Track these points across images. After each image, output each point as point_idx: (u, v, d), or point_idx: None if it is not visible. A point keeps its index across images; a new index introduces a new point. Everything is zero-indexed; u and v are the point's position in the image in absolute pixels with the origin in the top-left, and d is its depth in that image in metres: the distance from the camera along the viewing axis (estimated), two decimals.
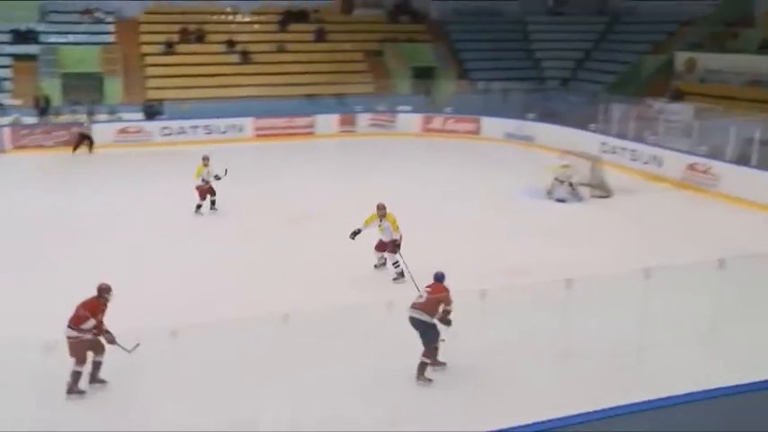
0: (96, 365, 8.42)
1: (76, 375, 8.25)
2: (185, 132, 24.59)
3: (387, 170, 20.72)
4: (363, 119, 26.65)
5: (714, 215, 16.73)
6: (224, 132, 25.02)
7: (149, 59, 27.37)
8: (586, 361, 8.88)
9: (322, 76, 27.68)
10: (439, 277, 9.02)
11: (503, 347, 9.19)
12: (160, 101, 25.41)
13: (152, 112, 24.97)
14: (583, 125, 22.99)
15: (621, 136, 21.75)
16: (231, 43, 28.53)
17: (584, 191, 17.85)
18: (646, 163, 20.47)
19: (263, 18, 30.67)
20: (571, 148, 19.43)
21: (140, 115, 24.82)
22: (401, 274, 11.71)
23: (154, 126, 24.55)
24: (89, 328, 8.12)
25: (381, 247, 12.19)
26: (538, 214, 16.44)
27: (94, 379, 8.44)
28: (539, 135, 24.60)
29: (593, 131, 22.57)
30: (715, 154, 18.71)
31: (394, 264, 11.85)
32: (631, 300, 8.82)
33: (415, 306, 8.80)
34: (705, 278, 8.95)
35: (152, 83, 26.50)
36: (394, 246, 11.80)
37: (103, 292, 8.31)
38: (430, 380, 8.76)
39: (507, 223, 15.35)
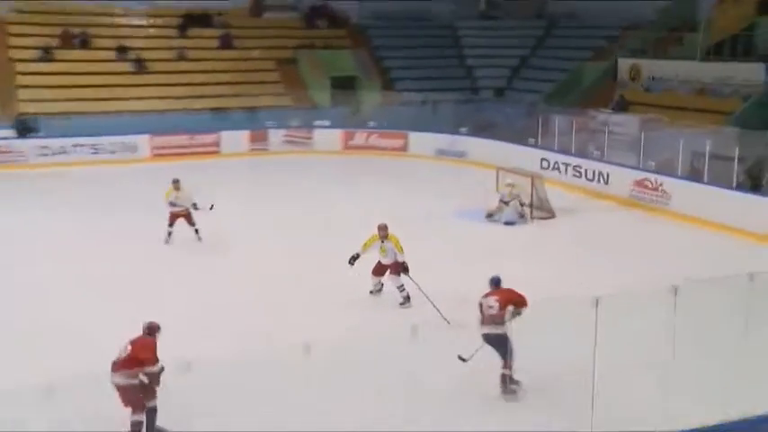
0: (152, 413, 8.29)
1: (138, 425, 8.21)
2: (66, 152, 23.77)
3: (303, 193, 20.48)
4: (276, 135, 26.45)
5: (665, 235, 16.98)
6: (113, 152, 24.35)
7: (21, 66, 26.32)
8: (534, 392, 9.37)
9: (229, 87, 27.35)
10: (497, 281, 9.55)
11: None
12: (34, 115, 24.44)
13: (25, 128, 24.00)
14: (521, 139, 23.26)
15: (563, 150, 22.06)
16: (123, 49, 27.88)
17: (525, 211, 17.99)
18: (590, 180, 20.75)
19: (159, 21, 30.10)
20: (508, 165, 19.61)
21: (10, 132, 23.85)
22: (408, 298, 12.15)
23: (27, 145, 23.64)
24: (156, 371, 8.13)
25: (380, 270, 12.43)
26: (478, 239, 16.43)
27: (152, 428, 8.31)
28: (472, 151, 24.79)
29: (533, 146, 22.83)
30: (664, 169, 19.06)
31: (399, 287, 12.20)
32: (581, 327, 8.89)
33: (488, 321, 9.21)
34: (657, 305, 9.05)
35: (24, 94, 25.44)
36: (401, 268, 12.08)
37: (155, 330, 8.46)
38: (515, 390, 9.23)
39: (444, 250, 15.29)
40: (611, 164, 20.45)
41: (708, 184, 17.81)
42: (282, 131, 26.62)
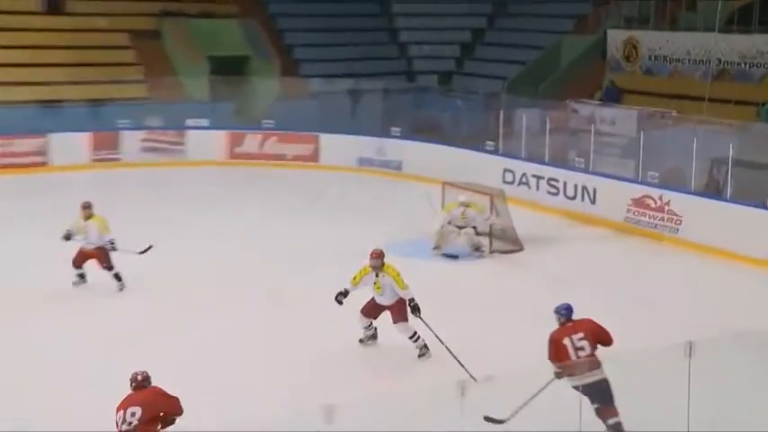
0: None
1: None
2: None
3: (170, 221, 20.06)
4: (132, 139, 26.21)
5: (674, 273, 16.99)
6: None
7: None
8: None
9: (60, 70, 27.07)
10: (569, 310, 10.23)
11: None
12: None
13: None
14: (475, 143, 23.33)
15: (534, 158, 22.11)
16: None
17: (483, 242, 17.96)
18: (572, 198, 20.79)
19: None
20: (459, 179, 19.46)
21: None
22: (426, 347, 12.48)
23: None
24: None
25: (373, 311, 12.76)
26: (420, 281, 16.23)
27: None
28: (409, 159, 24.82)
29: (492, 152, 22.89)
30: (672, 182, 19.14)
31: (412, 337, 12.50)
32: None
33: (585, 368, 9.70)
34: (668, 368, 9.23)
35: None
36: (410, 308, 12.34)
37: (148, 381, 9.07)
38: None
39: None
40: (600, 175, 20.54)
41: (731, 201, 17.94)
42: (140, 134, 26.38)
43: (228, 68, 29.14)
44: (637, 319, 14.15)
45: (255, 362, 12.53)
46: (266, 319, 14.10)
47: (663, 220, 18.80)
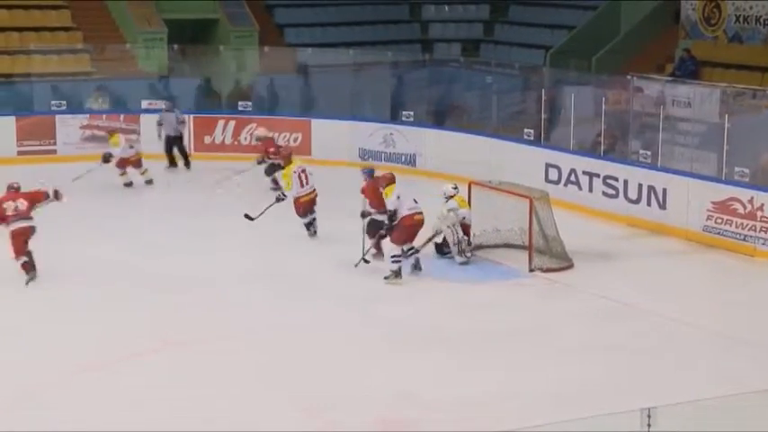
0: None
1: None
2: None
3: (123, 233, 20.11)
4: (69, 125, 26.27)
5: None
6: None
7: None
8: None
9: None
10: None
11: None
12: None
13: None
14: (510, 131, 23.38)
15: (586, 150, 22.23)
16: None
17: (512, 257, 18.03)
18: (635, 201, 20.71)
19: None
20: (490, 178, 19.48)
21: None
22: (397, 273, 16.95)
23: None
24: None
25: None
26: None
27: None
28: (425, 152, 24.84)
29: (531, 142, 22.94)
30: (766, 181, 19.13)
31: (394, 257, 16.93)
32: None
33: None
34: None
35: None
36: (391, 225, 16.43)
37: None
38: None
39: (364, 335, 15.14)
40: (671, 172, 20.50)
41: None
42: (81, 118, 26.53)
43: (193, 36, 29.78)
44: (726, 360, 14.02)
45: None
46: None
47: (755, 229, 18.59)
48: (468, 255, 18.20)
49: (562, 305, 16.73)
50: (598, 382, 13.26)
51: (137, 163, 23.64)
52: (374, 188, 17.85)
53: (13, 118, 26.02)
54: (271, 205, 19.40)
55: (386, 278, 17.03)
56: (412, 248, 17.48)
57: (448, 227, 18.03)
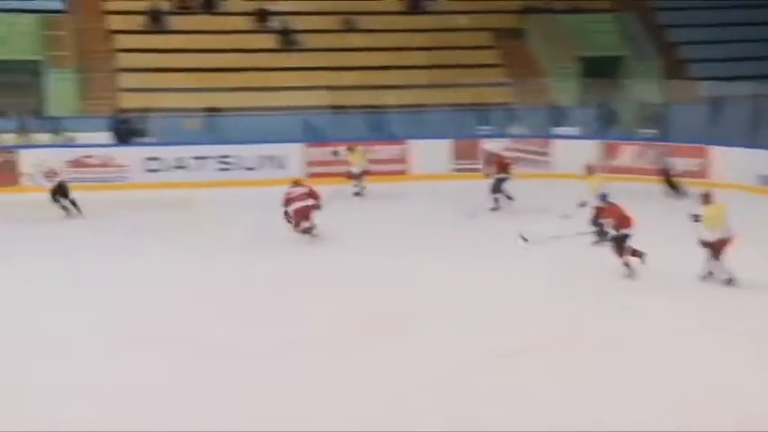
0: None
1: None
2: (185, 167, 26.11)
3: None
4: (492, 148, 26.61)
5: None
6: (252, 168, 26.46)
7: (123, 40, 29.16)
8: None
9: (420, 73, 29.01)
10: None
11: None
12: (141, 112, 26.97)
13: (127, 130, 26.64)
14: None
15: None
16: (263, 15, 30.47)
17: None
18: None
19: None
20: None
21: (107, 136, 26.48)
22: None
23: (131, 155, 25.97)
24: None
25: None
26: None
27: None
28: None
29: None
30: None
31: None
32: None
33: None
34: None
35: (128, 80, 28.12)
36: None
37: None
38: None
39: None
40: None
41: None
42: (502, 142, 27.01)
43: (601, 70, 30.00)
44: None
45: None
46: None
47: None
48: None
49: None
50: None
51: None
52: (618, 210, 17.15)
53: (449, 141, 27.34)
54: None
55: None
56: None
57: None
